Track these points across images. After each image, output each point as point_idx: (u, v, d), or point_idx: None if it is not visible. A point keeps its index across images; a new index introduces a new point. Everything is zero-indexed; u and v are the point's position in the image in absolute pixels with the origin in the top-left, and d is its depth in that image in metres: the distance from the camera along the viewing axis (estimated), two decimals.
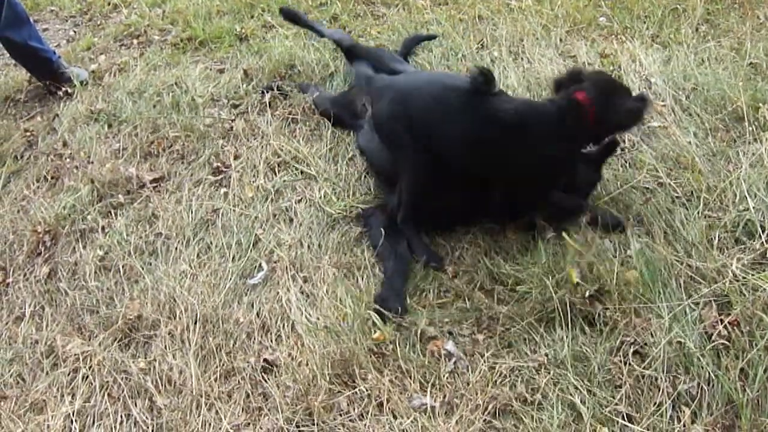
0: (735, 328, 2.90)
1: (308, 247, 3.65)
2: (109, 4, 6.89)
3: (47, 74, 5.28)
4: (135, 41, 6.03)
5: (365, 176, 4.11)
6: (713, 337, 2.88)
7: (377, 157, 3.94)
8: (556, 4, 5.82)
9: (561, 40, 5.37)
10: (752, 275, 3.08)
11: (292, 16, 5.24)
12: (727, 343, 2.86)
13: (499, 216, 3.69)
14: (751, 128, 4.08)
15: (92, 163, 4.41)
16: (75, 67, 5.50)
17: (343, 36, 5.03)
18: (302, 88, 4.86)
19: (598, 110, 3.44)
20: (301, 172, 4.15)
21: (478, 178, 3.63)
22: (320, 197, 3.94)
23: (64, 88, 5.25)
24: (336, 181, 4.06)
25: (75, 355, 3.22)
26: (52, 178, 4.41)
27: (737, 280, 3.09)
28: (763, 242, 3.30)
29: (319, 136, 4.44)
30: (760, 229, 3.36)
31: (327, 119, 4.54)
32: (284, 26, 5.75)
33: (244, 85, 5.03)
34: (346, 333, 3.07)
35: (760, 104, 4.23)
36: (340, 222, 3.79)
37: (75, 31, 6.52)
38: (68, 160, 4.52)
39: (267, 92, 4.78)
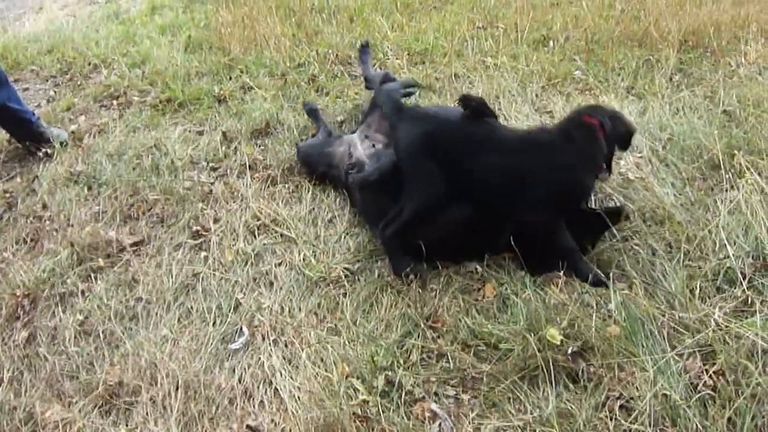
0: (720, 377, 2.89)
1: (289, 311, 3.64)
2: (89, 64, 6.93)
3: (26, 135, 5.28)
4: (115, 102, 6.06)
5: (345, 237, 4.12)
6: (699, 388, 2.87)
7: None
8: (531, 60, 5.90)
9: (537, 95, 5.43)
10: (735, 323, 3.07)
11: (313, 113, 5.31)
12: (712, 393, 2.85)
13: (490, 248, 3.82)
14: (727, 176, 4.10)
15: (72, 225, 4.39)
16: (54, 127, 5.50)
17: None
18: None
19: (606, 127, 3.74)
20: (281, 235, 4.16)
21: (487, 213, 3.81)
22: (300, 260, 3.94)
23: (43, 149, 5.25)
24: (316, 244, 4.07)
25: (54, 422, 3.18)
26: (31, 240, 4.39)
27: (720, 329, 3.09)
28: (744, 289, 3.31)
29: (298, 199, 4.46)
30: (740, 276, 3.36)
31: (305, 167, 4.69)
32: (262, 87, 5.82)
33: (223, 148, 5.07)
34: (330, 398, 3.05)
35: (736, 151, 4.27)
36: (320, 285, 3.78)
37: (55, 91, 6.54)
38: (48, 222, 4.51)
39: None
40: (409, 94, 5.25)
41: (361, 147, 4.41)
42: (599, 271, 3.59)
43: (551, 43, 6.35)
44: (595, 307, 3.37)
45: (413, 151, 3.71)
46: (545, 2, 7.48)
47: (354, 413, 3.00)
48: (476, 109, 3.79)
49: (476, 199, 3.77)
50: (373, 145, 4.41)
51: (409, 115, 3.86)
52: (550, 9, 7.22)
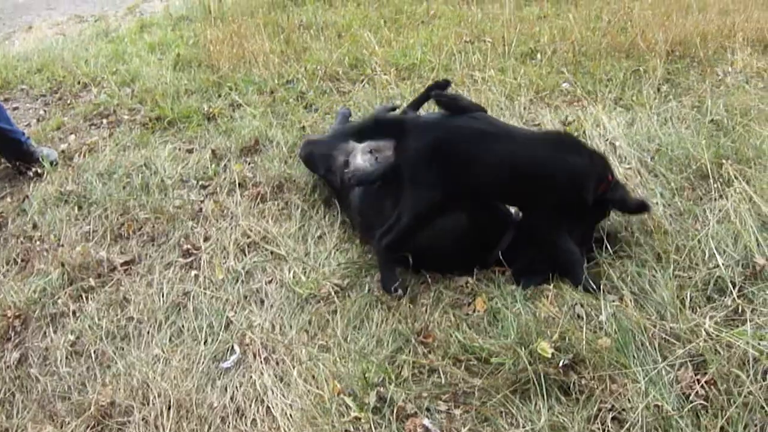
0: (712, 387, 2.89)
1: (280, 328, 3.63)
2: (78, 83, 6.95)
3: (16, 155, 5.29)
4: (104, 120, 6.07)
5: (335, 253, 4.13)
6: (691, 398, 2.87)
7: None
8: (518, 73, 5.93)
9: (525, 108, 5.46)
10: (726, 333, 3.07)
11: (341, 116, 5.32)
12: (705, 403, 2.85)
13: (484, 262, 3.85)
14: (716, 185, 4.12)
15: (62, 245, 4.39)
16: (45, 147, 5.51)
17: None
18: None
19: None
20: (271, 253, 4.15)
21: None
22: (290, 277, 3.94)
23: (33, 169, 5.25)
24: (306, 261, 4.06)
25: None
26: (22, 261, 4.38)
27: (711, 339, 3.09)
28: (734, 298, 3.31)
29: (288, 216, 4.47)
30: (731, 285, 3.38)
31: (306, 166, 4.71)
32: (251, 105, 5.84)
33: (213, 165, 5.08)
34: (321, 415, 3.05)
35: (723, 160, 4.29)
36: (311, 302, 3.77)
37: (45, 110, 6.55)
38: (38, 242, 4.50)
39: None
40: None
41: (361, 158, 4.37)
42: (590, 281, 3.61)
43: (538, 55, 6.39)
44: (585, 320, 3.36)
45: (419, 158, 3.70)
46: (532, 15, 7.56)
47: (346, 430, 2.99)
48: (449, 106, 3.83)
49: (485, 200, 3.89)
50: (377, 159, 4.38)
51: (415, 124, 3.86)
52: (537, 22, 7.28)
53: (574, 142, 4.00)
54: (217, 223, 4.45)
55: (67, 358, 3.64)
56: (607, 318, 3.29)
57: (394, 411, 3.06)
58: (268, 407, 3.19)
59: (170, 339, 3.67)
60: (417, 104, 4.88)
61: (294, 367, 3.35)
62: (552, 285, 3.61)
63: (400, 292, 3.71)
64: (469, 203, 3.81)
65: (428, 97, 4.96)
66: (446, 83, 4.84)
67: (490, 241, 3.84)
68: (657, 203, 4.09)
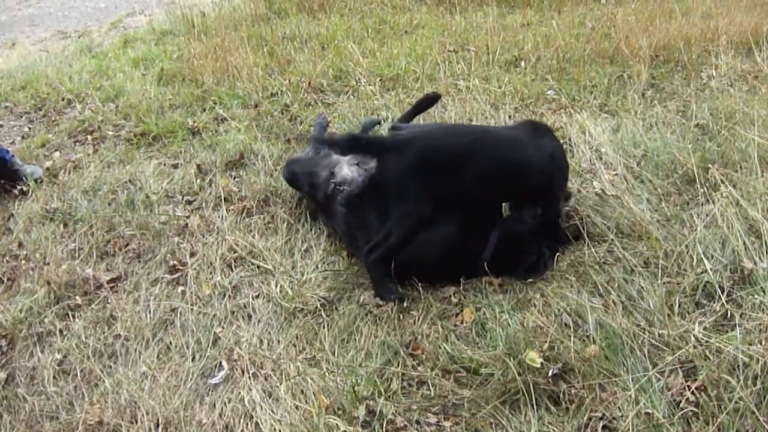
0: (702, 393, 2.88)
1: (268, 343, 3.61)
2: (63, 99, 6.89)
3: (1, 173, 5.24)
4: (89, 137, 6.02)
5: (321, 266, 4.13)
6: (681, 405, 2.86)
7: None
8: (503, 82, 5.92)
9: (510, 117, 5.44)
10: (715, 338, 3.08)
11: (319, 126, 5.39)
12: (695, 409, 2.85)
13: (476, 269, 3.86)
14: (702, 189, 4.13)
15: (48, 264, 4.35)
16: (29, 165, 5.46)
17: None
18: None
19: None
20: (258, 267, 4.14)
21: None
22: (277, 291, 3.92)
23: (18, 187, 5.22)
24: (292, 274, 4.05)
25: None
26: (8, 280, 4.34)
27: (701, 345, 3.09)
28: (723, 303, 3.32)
29: (274, 230, 4.45)
30: (719, 290, 3.38)
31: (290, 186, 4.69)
32: (236, 118, 5.82)
33: (198, 180, 5.05)
34: (311, 430, 3.03)
35: (710, 165, 4.30)
36: (298, 315, 3.76)
37: (29, 128, 6.50)
38: (24, 261, 4.46)
39: None
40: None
41: (347, 169, 4.35)
42: None
43: (523, 63, 6.40)
44: (573, 328, 3.36)
45: (404, 175, 3.69)
46: (516, 23, 7.55)
47: None
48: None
49: (475, 205, 3.92)
50: (364, 170, 4.35)
51: (395, 142, 3.85)
52: (520, 30, 7.28)
53: (544, 125, 4.21)
54: (203, 239, 4.43)
55: (54, 377, 3.60)
56: (594, 326, 3.28)
57: (384, 425, 3.04)
58: (256, 423, 3.17)
59: (158, 356, 3.64)
60: (408, 118, 4.86)
61: (282, 383, 3.33)
62: (539, 294, 3.60)
63: (397, 298, 3.74)
64: (455, 212, 3.82)
65: (420, 111, 4.96)
66: (437, 96, 4.84)
67: (475, 250, 3.83)
68: (644, 209, 4.09)
